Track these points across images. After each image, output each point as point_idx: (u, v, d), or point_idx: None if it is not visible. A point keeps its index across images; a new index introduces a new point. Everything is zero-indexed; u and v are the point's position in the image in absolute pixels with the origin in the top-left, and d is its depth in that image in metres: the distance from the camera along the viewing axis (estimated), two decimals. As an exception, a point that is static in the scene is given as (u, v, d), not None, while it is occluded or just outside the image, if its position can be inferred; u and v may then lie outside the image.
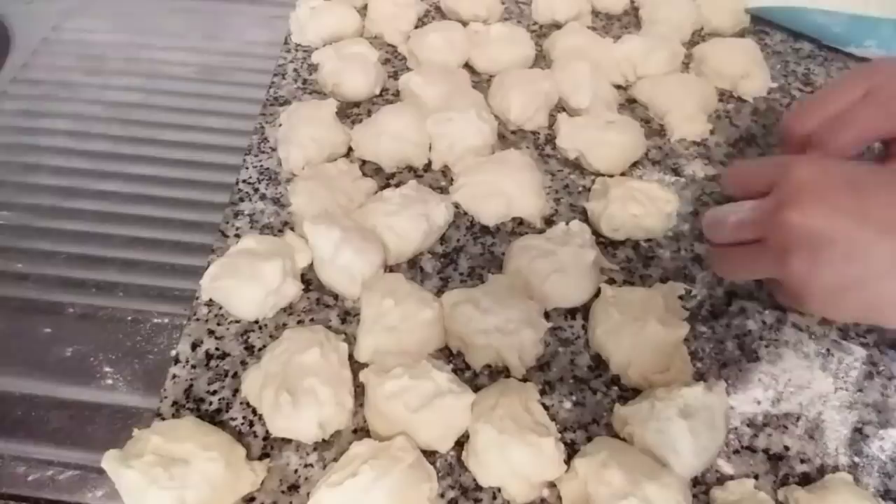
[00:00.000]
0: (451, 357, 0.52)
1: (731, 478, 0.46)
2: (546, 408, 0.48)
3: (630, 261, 0.59)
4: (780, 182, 0.42)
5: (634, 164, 0.66)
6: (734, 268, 0.49)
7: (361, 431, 0.48)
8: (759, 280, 0.57)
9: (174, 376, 0.50)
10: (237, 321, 0.53)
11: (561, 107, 0.71)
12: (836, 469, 0.47)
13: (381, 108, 0.66)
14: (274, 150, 0.65)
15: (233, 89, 0.77)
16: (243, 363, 0.51)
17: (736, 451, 0.48)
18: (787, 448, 0.48)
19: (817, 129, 0.51)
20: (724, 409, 0.47)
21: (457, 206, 0.61)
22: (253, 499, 0.44)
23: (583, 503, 0.43)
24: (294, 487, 0.45)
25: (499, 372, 0.51)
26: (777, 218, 0.41)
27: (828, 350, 0.54)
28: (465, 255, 0.58)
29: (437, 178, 0.64)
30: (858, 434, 0.49)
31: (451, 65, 0.73)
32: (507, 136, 0.68)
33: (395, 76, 0.73)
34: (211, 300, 0.54)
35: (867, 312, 0.42)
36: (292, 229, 0.58)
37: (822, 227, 0.39)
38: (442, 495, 0.45)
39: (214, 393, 0.49)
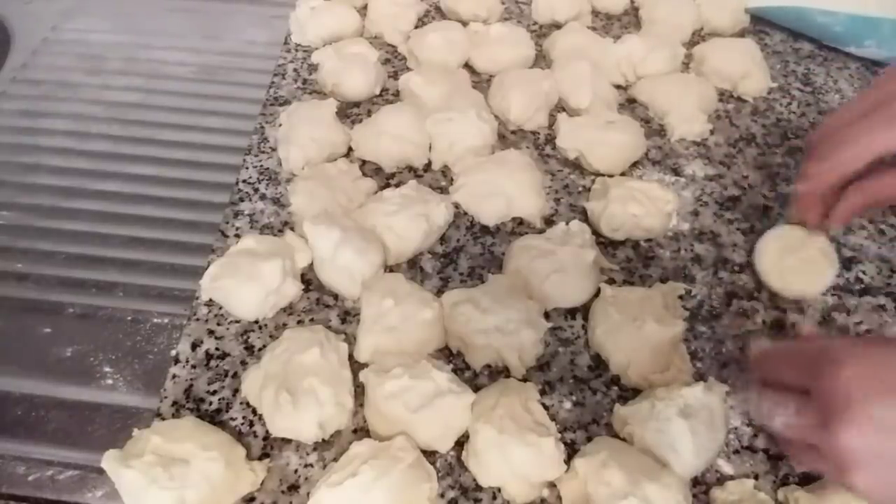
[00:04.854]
0: (451, 357, 0.52)
1: (731, 478, 0.46)
2: (546, 408, 0.48)
3: (630, 261, 0.59)
4: (823, 386, 0.37)
5: (634, 164, 0.66)
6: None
7: (361, 431, 0.48)
8: (760, 282, 0.57)
9: (174, 376, 0.50)
10: (237, 321, 0.53)
11: (561, 107, 0.71)
12: (836, 469, 0.47)
13: (381, 108, 0.66)
14: (274, 150, 0.65)
15: (233, 89, 0.77)
16: (243, 363, 0.51)
17: (736, 451, 0.48)
18: (787, 448, 0.48)
19: (820, 141, 0.49)
20: (724, 409, 0.47)
21: (457, 206, 0.61)
22: (253, 499, 0.44)
23: (583, 503, 0.43)
24: (294, 487, 0.45)
25: (499, 372, 0.51)
26: (830, 439, 0.36)
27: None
28: (465, 255, 0.58)
29: (437, 178, 0.64)
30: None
31: (451, 65, 0.73)
32: (507, 136, 0.68)
33: (395, 76, 0.73)
34: (211, 300, 0.54)
35: None
36: (292, 229, 0.58)
37: (884, 448, 0.35)
38: (442, 495, 0.45)
39: (214, 393, 0.49)
